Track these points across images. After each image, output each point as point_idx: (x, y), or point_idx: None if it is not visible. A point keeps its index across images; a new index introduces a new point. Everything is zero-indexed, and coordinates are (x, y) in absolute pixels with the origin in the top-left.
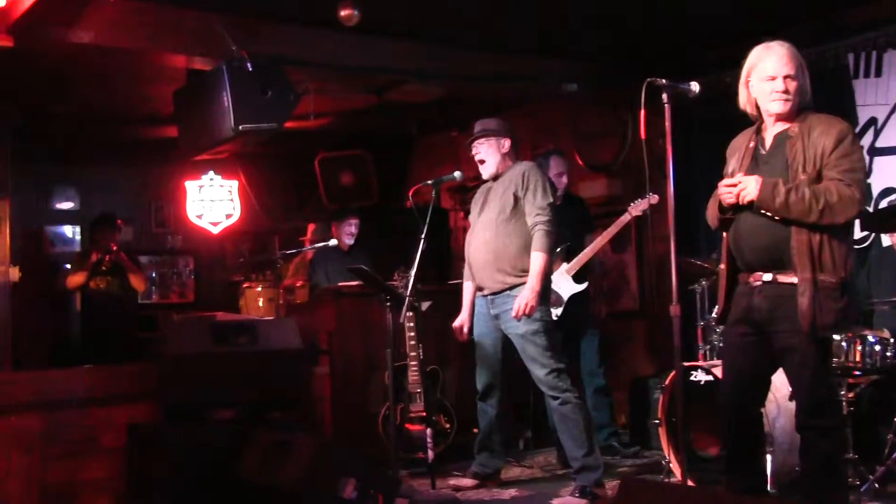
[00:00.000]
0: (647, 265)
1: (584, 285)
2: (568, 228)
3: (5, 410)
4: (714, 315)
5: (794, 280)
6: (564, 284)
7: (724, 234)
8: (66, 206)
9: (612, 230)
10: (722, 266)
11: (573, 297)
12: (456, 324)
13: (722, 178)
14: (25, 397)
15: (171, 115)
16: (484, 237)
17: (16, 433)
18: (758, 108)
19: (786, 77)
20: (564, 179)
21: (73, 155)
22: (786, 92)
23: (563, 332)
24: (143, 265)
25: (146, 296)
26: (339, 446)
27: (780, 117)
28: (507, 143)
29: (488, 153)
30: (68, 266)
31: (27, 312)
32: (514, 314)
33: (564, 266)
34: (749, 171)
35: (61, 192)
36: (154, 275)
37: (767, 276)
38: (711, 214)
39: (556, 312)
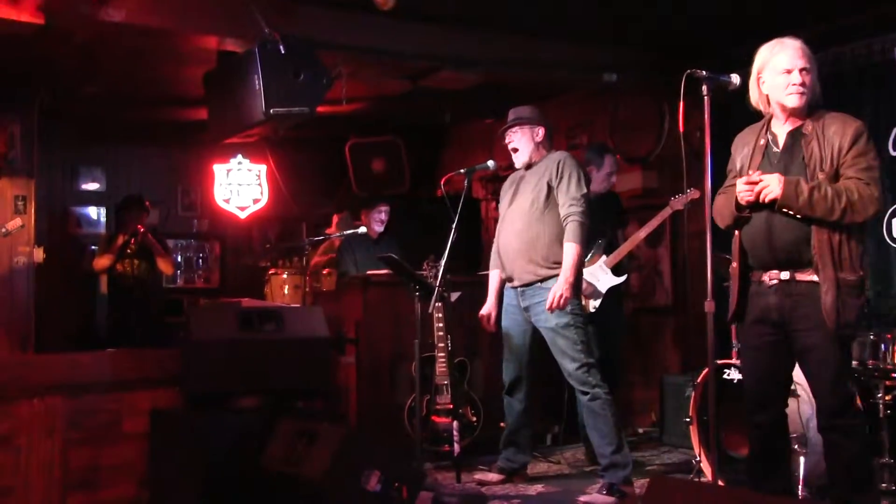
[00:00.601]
0: (682, 260)
1: (622, 278)
2: (604, 222)
3: (28, 393)
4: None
5: (813, 278)
6: (603, 277)
7: (736, 232)
8: (92, 187)
9: (653, 223)
10: (734, 265)
11: (610, 290)
12: (482, 312)
13: (725, 175)
14: (48, 380)
15: (200, 98)
16: (515, 227)
17: (38, 416)
18: (769, 105)
19: (801, 70)
20: (614, 179)
21: (100, 136)
22: (802, 84)
23: (597, 324)
24: (170, 248)
25: (171, 280)
26: (363, 437)
27: (794, 112)
28: (540, 131)
29: (521, 142)
30: (94, 248)
31: (51, 294)
32: (547, 306)
33: (603, 258)
34: (760, 169)
35: (87, 173)
36: (179, 259)
37: (785, 275)
38: (724, 212)
39: (595, 304)
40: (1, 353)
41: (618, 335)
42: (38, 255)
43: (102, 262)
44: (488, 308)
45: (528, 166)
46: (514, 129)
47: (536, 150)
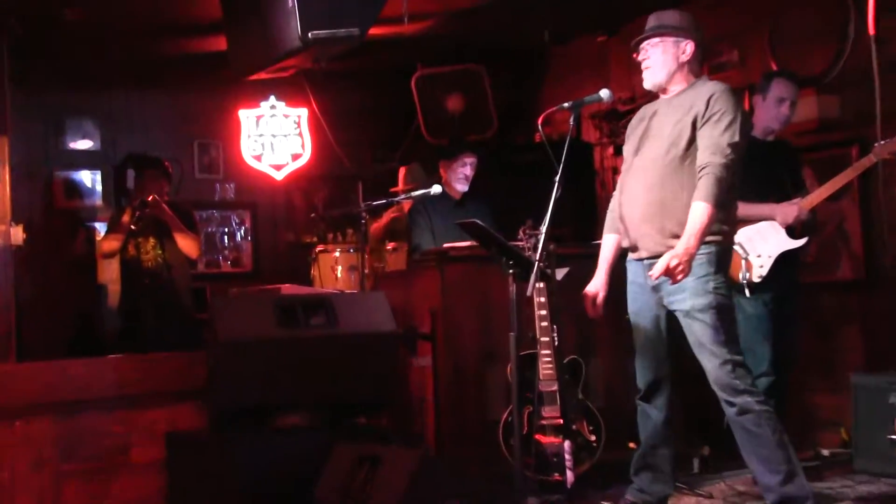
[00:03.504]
0: (878, 218)
1: (801, 241)
2: (773, 171)
3: (8, 414)
4: None
5: None
6: (774, 238)
7: None
8: (83, 145)
9: (849, 174)
10: None
11: (784, 256)
12: (587, 290)
13: None
14: (34, 396)
15: (217, 22)
16: (645, 181)
17: (22, 443)
18: None
19: None
20: (784, 109)
21: (90, 78)
22: None
23: (767, 299)
24: (196, 222)
25: (192, 264)
26: (445, 463)
27: None
28: (689, 47)
29: (659, 60)
30: (97, 225)
31: (36, 285)
32: (653, 274)
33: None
34: None
35: (76, 128)
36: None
37: None
38: None
39: (761, 272)
40: None
41: (794, 317)
42: (17, 235)
43: (108, 244)
44: (596, 285)
45: (665, 92)
46: (652, 41)
47: (680, 73)
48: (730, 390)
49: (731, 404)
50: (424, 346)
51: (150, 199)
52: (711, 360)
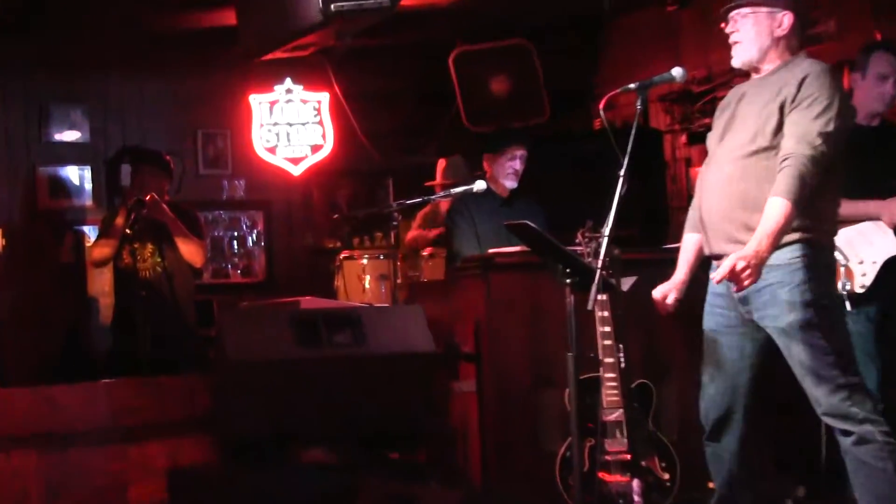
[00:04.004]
0: None
1: None
2: (878, 161)
3: None
4: None
5: None
6: (880, 241)
7: None
8: (70, 136)
9: None
10: None
11: (891, 262)
12: (656, 292)
13: None
14: (17, 427)
15: None
16: (725, 173)
17: (3, 481)
18: None
19: None
20: (889, 87)
21: (80, 60)
22: None
23: (872, 313)
24: (201, 225)
25: (197, 273)
26: None
27: None
28: (787, 19)
29: (751, 34)
30: (86, 229)
31: (18, 298)
32: (714, 277)
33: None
34: None
35: (62, 117)
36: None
37: None
38: None
39: (864, 281)
40: None
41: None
42: None
43: (99, 250)
44: (669, 285)
45: (756, 72)
46: (742, 12)
47: (774, 50)
48: (846, 420)
49: (848, 433)
50: (467, 369)
51: (147, 198)
52: (819, 386)
